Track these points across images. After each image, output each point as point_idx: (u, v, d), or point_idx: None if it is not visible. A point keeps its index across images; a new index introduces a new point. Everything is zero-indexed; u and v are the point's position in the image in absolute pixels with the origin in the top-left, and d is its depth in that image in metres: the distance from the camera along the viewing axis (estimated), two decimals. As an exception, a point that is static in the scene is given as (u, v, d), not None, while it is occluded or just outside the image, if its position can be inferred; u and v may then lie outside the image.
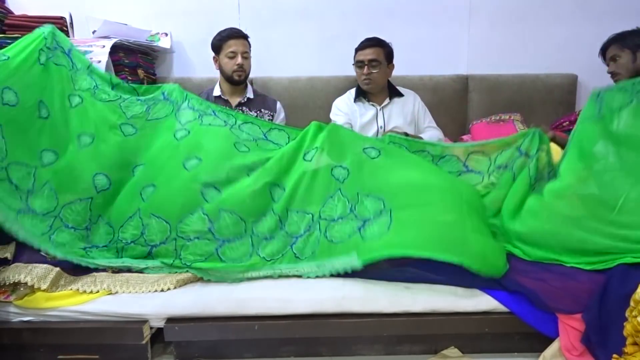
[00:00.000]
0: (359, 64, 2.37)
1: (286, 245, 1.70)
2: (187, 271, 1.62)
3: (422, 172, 1.74)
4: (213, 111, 1.96)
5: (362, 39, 2.44)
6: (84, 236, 1.69)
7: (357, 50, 2.39)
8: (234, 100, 2.42)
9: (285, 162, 1.79)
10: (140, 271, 1.63)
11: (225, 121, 1.94)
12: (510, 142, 1.85)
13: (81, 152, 1.75)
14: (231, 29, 2.36)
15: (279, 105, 2.51)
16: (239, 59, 2.30)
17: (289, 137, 1.94)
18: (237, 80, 2.35)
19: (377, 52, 2.34)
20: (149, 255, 1.69)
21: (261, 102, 2.46)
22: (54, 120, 1.75)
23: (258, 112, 2.42)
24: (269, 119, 2.42)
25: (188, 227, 1.66)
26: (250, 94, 2.45)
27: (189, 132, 1.85)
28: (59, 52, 1.87)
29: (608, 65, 2.22)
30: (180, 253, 1.65)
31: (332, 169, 1.76)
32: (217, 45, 2.35)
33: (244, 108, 2.41)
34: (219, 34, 2.36)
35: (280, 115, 2.50)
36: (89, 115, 1.82)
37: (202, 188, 1.71)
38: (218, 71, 2.40)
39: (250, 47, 2.39)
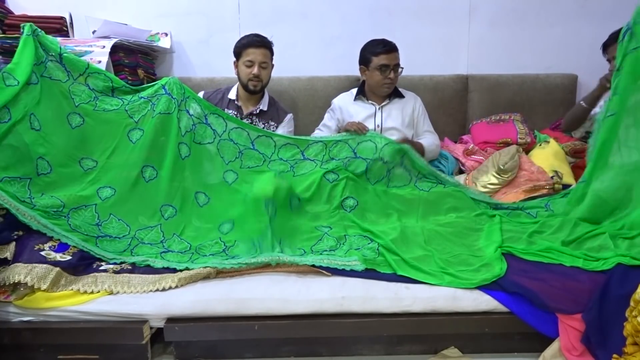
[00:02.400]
0: (382, 68, 2.29)
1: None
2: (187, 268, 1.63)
3: (389, 220, 1.97)
4: (205, 117, 2.05)
5: (363, 39, 2.42)
6: (96, 230, 1.74)
7: (378, 53, 2.30)
8: (247, 108, 2.37)
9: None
10: (148, 265, 1.65)
11: (214, 131, 2.05)
12: None
13: (84, 173, 1.84)
14: (254, 36, 2.27)
15: (288, 117, 2.44)
16: (256, 69, 2.24)
17: (275, 145, 2.08)
18: (252, 89, 2.30)
19: (398, 57, 2.32)
20: (161, 254, 1.74)
21: (271, 114, 2.40)
22: (47, 134, 1.78)
23: (265, 123, 2.38)
24: (273, 130, 2.40)
25: (206, 250, 1.79)
26: (264, 106, 2.38)
27: (189, 151, 1.99)
28: (52, 63, 1.85)
29: (609, 61, 2.14)
30: (194, 261, 1.70)
31: (316, 227, 1.92)
32: (237, 51, 2.29)
33: (253, 118, 2.37)
34: (241, 39, 2.29)
35: (288, 128, 2.43)
36: (93, 136, 1.89)
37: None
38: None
39: (272, 54, 2.33)
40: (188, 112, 2.01)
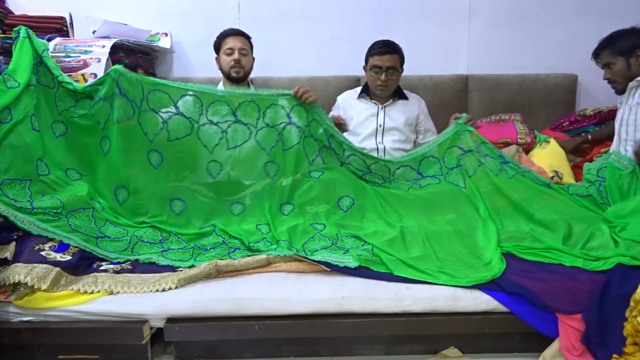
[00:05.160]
0: (375, 69, 2.31)
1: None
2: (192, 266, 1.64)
3: (388, 220, 1.94)
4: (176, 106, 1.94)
5: (362, 39, 2.43)
6: (95, 230, 1.74)
7: (373, 54, 2.31)
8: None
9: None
10: (153, 262, 1.65)
11: (132, 104, 1.89)
12: (452, 143, 2.12)
13: (73, 182, 1.83)
14: (230, 28, 2.37)
15: None
16: (236, 55, 2.28)
17: (202, 105, 1.95)
18: (234, 77, 2.31)
19: (395, 60, 2.30)
20: (161, 252, 1.74)
21: None
22: (43, 136, 1.78)
23: None
24: None
25: (206, 242, 1.82)
26: None
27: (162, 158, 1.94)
28: (43, 67, 1.84)
29: (603, 69, 2.15)
30: (196, 258, 1.70)
31: (309, 224, 1.91)
32: (217, 44, 2.36)
33: None
34: (219, 34, 2.36)
35: None
36: (75, 147, 1.87)
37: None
38: (219, 71, 2.39)
39: (251, 47, 2.38)
40: (151, 109, 1.91)
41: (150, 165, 1.92)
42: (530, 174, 2.08)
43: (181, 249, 1.77)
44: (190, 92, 1.94)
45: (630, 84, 2.05)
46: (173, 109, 1.93)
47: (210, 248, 1.76)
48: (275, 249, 1.73)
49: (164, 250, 1.75)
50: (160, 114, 1.93)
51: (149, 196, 1.92)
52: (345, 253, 1.69)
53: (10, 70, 1.74)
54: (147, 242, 1.79)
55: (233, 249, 1.75)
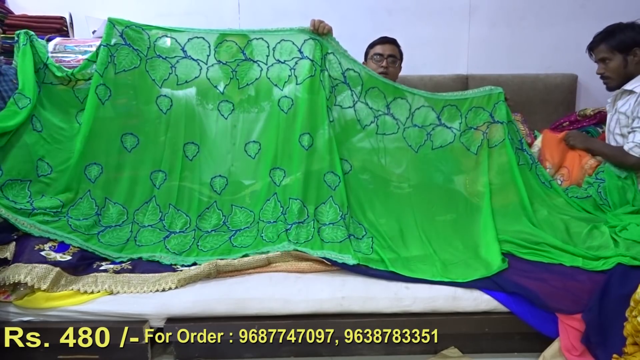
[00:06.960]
0: (376, 57, 2.36)
1: (280, 230, 1.78)
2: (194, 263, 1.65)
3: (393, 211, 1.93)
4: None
5: (362, 39, 2.44)
6: (96, 221, 1.75)
7: (374, 44, 2.39)
8: None
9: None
10: (154, 260, 1.66)
11: (137, 51, 1.89)
12: (481, 104, 2.04)
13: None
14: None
15: None
16: None
17: (209, 46, 1.91)
18: None
19: (395, 50, 2.37)
20: (164, 240, 1.75)
21: None
22: (49, 135, 1.77)
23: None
24: None
25: (206, 223, 1.81)
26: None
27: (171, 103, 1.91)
28: (49, 70, 1.83)
29: (597, 63, 2.06)
30: (198, 243, 1.71)
31: (324, 174, 1.86)
32: None
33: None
34: None
35: None
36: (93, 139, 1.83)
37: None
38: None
39: None
40: (158, 55, 1.90)
41: (160, 111, 1.90)
42: (537, 169, 2.04)
43: (183, 232, 1.76)
44: (197, 35, 1.91)
45: (620, 89, 2.02)
46: (181, 53, 1.90)
47: (212, 230, 1.76)
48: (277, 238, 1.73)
49: (166, 237, 1.75)
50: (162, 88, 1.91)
51: (161, 143, 1.89)
52: (345, 239, 1.71)
53: (20, 89, 1.72)
54: (149, 225, 1.78)
55: (234, 232, 1.75)
